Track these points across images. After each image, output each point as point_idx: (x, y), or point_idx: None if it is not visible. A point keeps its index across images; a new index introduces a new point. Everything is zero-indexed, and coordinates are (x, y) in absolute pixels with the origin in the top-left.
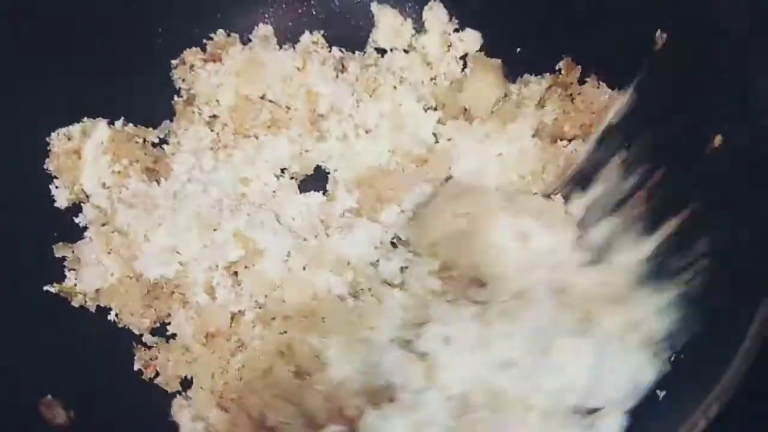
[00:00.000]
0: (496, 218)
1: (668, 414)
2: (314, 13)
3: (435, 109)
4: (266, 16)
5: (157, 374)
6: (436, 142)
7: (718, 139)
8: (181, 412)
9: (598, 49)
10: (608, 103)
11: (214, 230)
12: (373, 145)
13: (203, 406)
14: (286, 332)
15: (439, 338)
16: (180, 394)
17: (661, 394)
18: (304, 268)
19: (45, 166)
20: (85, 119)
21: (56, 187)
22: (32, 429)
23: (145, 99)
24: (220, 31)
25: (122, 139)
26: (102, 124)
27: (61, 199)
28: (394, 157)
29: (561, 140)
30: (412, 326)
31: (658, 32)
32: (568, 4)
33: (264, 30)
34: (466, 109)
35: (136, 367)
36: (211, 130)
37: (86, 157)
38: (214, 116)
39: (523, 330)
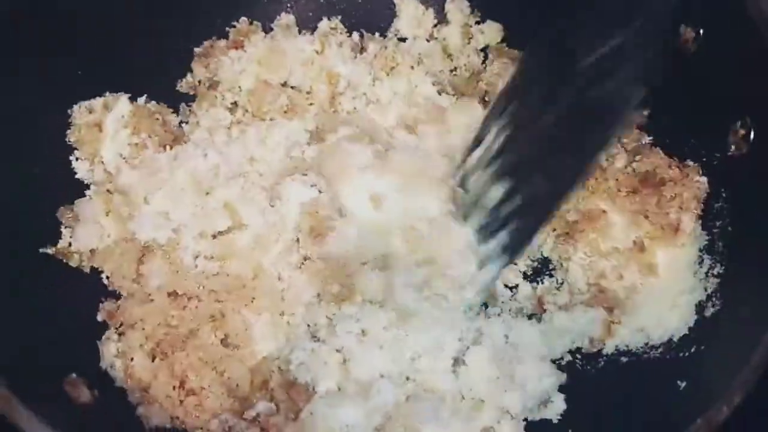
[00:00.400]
0: (351, 178)
1: (688, 403)
2: (335, 2)
3: (453, 95)
4: (288, 5)
5: (121, 324)
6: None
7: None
8: (108, 343)
9: None
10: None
11: (207, 194)
12: (382, 116)
13: (132, 345)
14: (221, 301)
15: (352, 334)
16: (117, 328)
17: (682, 384)
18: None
19: (66, 138)
20: (107, 94)
21: (76, 159)
22: (57, 407)
23: (167, 84)
24: (243, 18)
25: (143, 115)
26: (123, 98)
27: (81, 170)
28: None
29: None
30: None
31: (682, 27)
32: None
33: (286, 19)
34: (485, 100)
35: (99, 319)
36: (232, 115)
37: (107, 130)
38: (235, 103)
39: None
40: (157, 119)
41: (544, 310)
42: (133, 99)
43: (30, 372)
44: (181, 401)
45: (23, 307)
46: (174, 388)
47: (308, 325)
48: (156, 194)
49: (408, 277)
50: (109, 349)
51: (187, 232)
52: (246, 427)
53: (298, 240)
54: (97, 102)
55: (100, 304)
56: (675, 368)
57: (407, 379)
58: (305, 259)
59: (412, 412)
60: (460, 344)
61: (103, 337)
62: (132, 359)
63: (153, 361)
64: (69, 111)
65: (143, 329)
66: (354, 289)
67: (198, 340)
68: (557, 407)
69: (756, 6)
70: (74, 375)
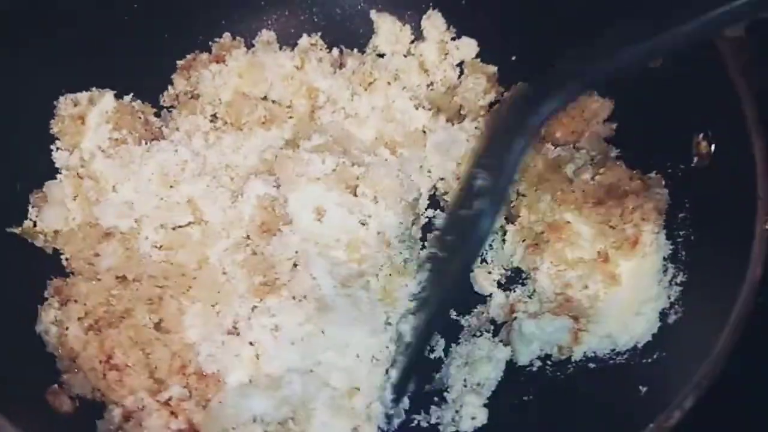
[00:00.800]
0: (299, 186)
1: (647, 408)
2: (316, 20)
3: (429, 109)
4: (269, 22)
5: (67, 302)
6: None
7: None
8: (49, 310)
9: None
10: (598, 110)
11: (171, 187)
12: (360, 130)
13: (71, 316)
14: (161, 286)
15: (266, 329)
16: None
17: (644, 389)
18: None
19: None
20: (94, 89)
21: (57, 149)
22: (39, 417)
23: (151, 92)
24: (226, 34)
25: (126, 112)
26: (109, 95)
27: (61, 159)
28: (378, 143)
29: (550, 145)
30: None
31: None
32: (562, 14)
33: (267, 36)
34: (460, 114)
35: (46, 294)
36: (211, 123)
37: (89, 123)
38: (215, 115)
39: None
40: (140, 118)
41: (514, 318)
42: (118, 97)
43: (12, 382)
44: (104, 375)
45: (5, 318)
46: (100, 362)
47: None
48: (124, 184)
49: (335, 270)
50: (48, 315)
51: (149, 223)
52: (157, 408)
53: (248, 237)
54: (83, 96)
55: (48, 282)
56: (638, 374)
57: (311, 371)
58: (253, 254)
59: (310, 404)
60: (370, 341)
61: (45, 303)
62: (67, 328)
63: (86, 334)
64: (54, 102)
65: (85, 304)
66: (278, 283)
67: (132, 320)
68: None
69: None
70: (56, 385)
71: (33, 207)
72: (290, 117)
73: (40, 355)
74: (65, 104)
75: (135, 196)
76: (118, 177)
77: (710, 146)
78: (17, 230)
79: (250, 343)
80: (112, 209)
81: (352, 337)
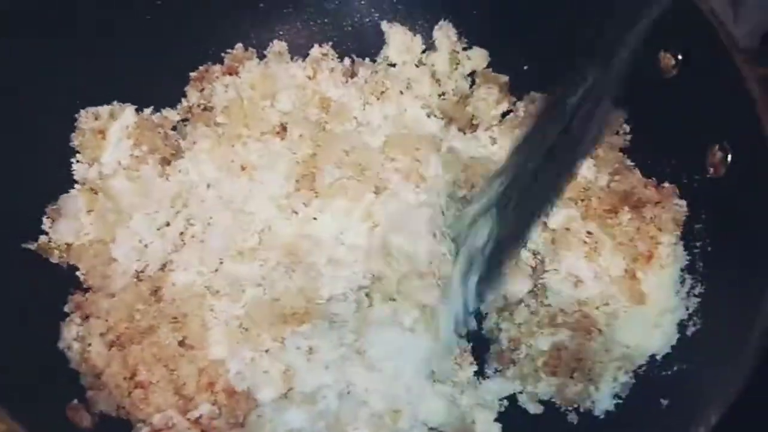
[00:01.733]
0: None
1: (670, 421)
2: (327, 31)
3: (441, 119)
4: (281, 33)
5: (87, 317)
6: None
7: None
8: (71, 326)
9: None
10: (612, 121)
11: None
12: (372, 139)
13: (93, 332)
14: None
15: (300, 351)
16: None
17: (665, 402)
18: None
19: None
20: (115, 103)
21: (77, 161)
22: None
23: (165, 105)
24: (239, 45)
25: (147, 127)
26: (130, 109)
27: (80, 173)
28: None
29: None
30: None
31: (662, 52)
32: (575, 24)
33: (279, 47)
34: (473, 123)
35: (66, 309)
36: (223, 132)
37: (110, 138)
38: (226, 125)
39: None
40: (160, 132)
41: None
42: (139, 110)
43: (33, 399)
44: (130, 393)
45: (27, 333)
46: (124, 379)
47: (258, 335)
48: (138, 215)
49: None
50: (70, 331)
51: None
52: (188, 426)
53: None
54: (104, 109)
55: (69, 296)
56: (658, 386)
57: (348, 392)
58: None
59: (349, 423)
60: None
61: (67, 319)
62: (90, 345)
63: (109, 350)
64: (75, 115)
65: (106, 320)
66: (313, 311)
67: (155, 336)
68: None
69: (727, 35)
70: (76, 401)
71: (47, 218)
72: (303, 127)
73: (64, 370)
74: (86, 118)
75: (146, 231)
76: (134, 204)
77: (726, 157)
78: (32, 246)
79: (280, 361)
80: (126, 245)
81: (387, 358)
